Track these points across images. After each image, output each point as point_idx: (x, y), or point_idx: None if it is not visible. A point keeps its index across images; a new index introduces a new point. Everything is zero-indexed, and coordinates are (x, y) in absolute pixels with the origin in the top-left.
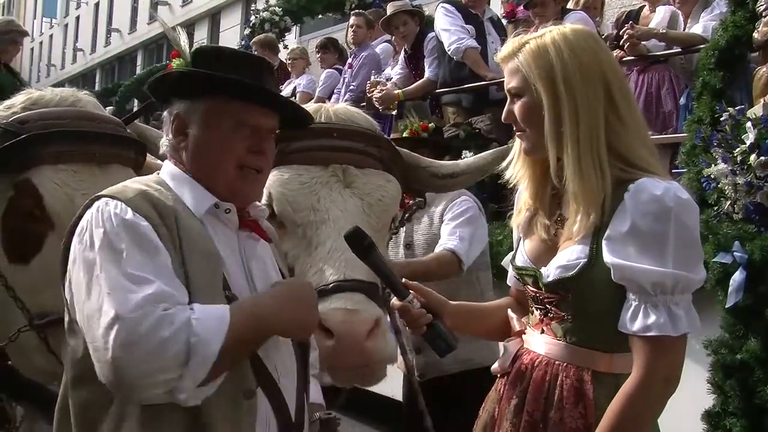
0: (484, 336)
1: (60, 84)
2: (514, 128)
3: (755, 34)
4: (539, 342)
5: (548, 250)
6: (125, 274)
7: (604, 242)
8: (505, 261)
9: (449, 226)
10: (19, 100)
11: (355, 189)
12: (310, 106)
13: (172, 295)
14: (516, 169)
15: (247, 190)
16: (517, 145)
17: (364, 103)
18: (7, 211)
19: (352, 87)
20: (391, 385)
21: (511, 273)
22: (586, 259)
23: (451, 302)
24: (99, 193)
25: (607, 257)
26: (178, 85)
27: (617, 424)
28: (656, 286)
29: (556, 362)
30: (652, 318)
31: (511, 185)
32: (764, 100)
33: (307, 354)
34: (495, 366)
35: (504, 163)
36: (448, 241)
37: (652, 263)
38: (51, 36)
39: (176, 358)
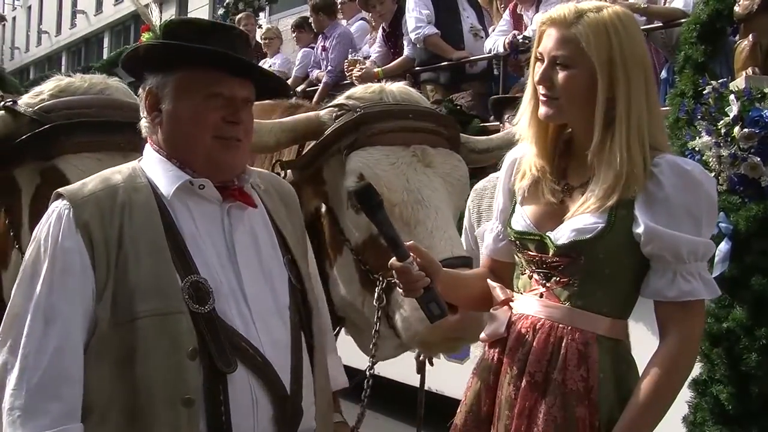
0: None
1: (24, 67)
2: (544, 90)
3: (736, 8)
4: (539, 306)
5: (554, 215)
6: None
7: (637, 212)
8: (479, 231)
9: None
10: (48, 87)
11: (435, 169)
12: (371, 87)
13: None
14: (524, 128)
15: (229, 160)
16: (527, 104)
17: (346, 81)
18: (34, 197)
19: (329, 68)
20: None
21: (486, 242)
22: (604, 224)
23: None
24: (60, 189)
25: (640, 227)
26: (149, 59)
27: (666, 386)
28: (690, 254)
29: (560, 325)
30: (691, 284)
31: None
32: (746, 73)
33: (302, 328)
34: (485, 333)
35: (517, 118)
36: None
37: (689, 232)
38: (14, 18)
39: None
